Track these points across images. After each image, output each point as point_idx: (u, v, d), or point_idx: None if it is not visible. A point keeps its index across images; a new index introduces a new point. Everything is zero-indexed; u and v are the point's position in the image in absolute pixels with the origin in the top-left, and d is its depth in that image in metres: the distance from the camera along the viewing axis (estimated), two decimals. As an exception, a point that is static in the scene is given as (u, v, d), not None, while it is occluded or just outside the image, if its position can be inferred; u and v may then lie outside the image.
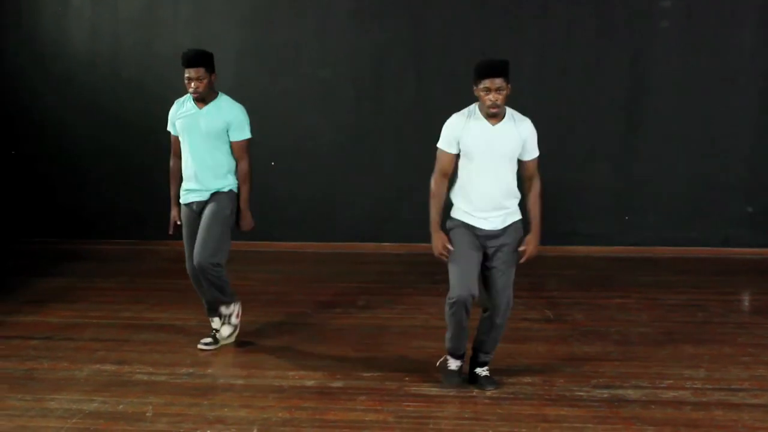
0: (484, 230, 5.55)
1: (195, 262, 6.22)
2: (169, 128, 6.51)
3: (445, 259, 5.58)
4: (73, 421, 5.18)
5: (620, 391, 5.62)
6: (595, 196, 9.74)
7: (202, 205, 6.35)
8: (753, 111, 9.84)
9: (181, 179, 6.46)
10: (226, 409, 5.35)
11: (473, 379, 5.78)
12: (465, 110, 5.55)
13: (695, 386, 5.70)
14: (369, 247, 10.04)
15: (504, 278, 5.54)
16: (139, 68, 10.22)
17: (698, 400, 5.47)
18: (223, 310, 6.46)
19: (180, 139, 6.40)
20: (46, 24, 10.27)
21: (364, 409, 5.39)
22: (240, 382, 5.86)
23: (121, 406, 5.39)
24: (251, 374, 6.01)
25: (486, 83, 5.35)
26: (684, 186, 9.90)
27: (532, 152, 5.58)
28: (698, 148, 9.83)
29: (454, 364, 5.84)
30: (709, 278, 8.82)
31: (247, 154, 6.43)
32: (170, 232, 6.59)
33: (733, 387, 5.69)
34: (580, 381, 5.80)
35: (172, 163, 6.58)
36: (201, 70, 6.22)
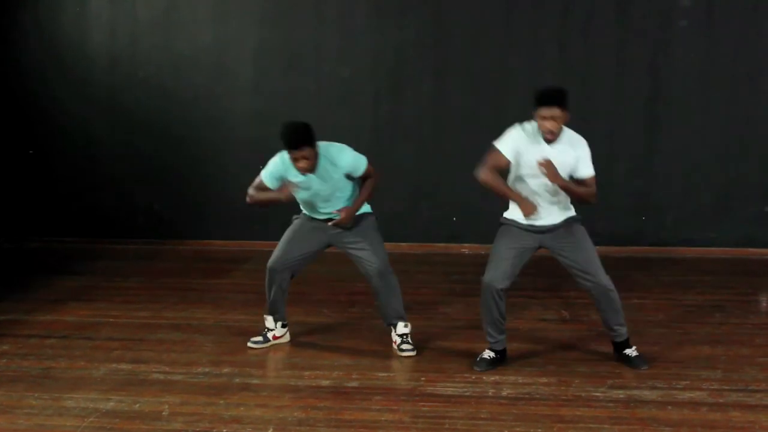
0: (540, 226, 5.94)
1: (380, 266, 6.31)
2: (268, 181, 6.27)
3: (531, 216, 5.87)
4: (90, 420, 5.20)
5: (636, 392, 5.59)
6: (614, 196, 9.69)
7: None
8: (772, 110, 9.79)
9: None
10: (241, 409, 5.36)
11: (625, 362, 6.06)
12: (529, 126, 5.85)
13: (712, 387, 5.67)
14: (387, 246, 9.98)
15: (582, 254, 5.89)
16: (158, 68, 10.25)
17: (715, 401, 5.45)
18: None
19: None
20: (64, 24, 10.30)
21: (379, 408, 5.40)
22: (256, 381, 5.87)
23: (137, 405, 5.41)
24: (267, 374, 6.03)
25: (544, 111, 5.66)
26: (703, 186, 9.84)
27: (586, 170, 5.86)
28: (717, 148, 9.78)
29: (487, 353, 6.06)
30: (728, 279, 8.77)
31: (374, 171, 6.44)
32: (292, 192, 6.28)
33: (750, 388, 5.66)
34: (597, 381, 5.78)
35: (254, 199, 6.37)
36: (308, 150, 6.01)
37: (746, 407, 5.35)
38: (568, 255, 5.95)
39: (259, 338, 6.60)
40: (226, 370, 6.06)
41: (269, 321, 6.61)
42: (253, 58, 10.15)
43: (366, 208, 6.50)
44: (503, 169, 5.91)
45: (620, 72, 9.76)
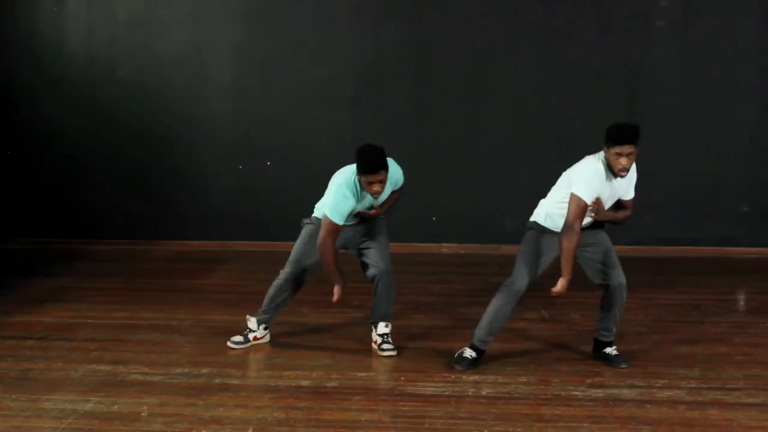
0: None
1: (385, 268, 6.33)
2: (340, 221, 6.06)
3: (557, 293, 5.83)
4: (68, 421, 5.17)
5: (616, 391, 5.62)
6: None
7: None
8: (750, 110, 9.85)
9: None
10: (221, 409, 5.35)
11: (605, 360, 6.16)
12: (601, 167, 5.76)
13: (690, 386, 5.70)
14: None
15: (605, 251, 6.03)
16: (137, 68, 10.22)
17: (693, 399, 5.48)
18: None
19: None
20: (41, 23, 10.25)
21: (359, 408, 5.40)
22: (235, 382, 5.85)
23: (116, 407, 5.39)
24: (246, 374, 6.02)
25: (617, 149, 5.64)
26: (681, 186, 9.90)
27: (631, 194, 6.01)
28: (695, 148, 9.84)
29: (469, 353, 6.07)
30: (706, 278, 8.82)
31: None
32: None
33: (728, 386, 5.69)
34: (576, 380, 5.80)
35: (330, 249, 6.11)
36: (385, 174, 5.93)
37: (724, 405, 5.38)
38: (590, 250, 6.02)
39: (240, 338, 6.58)
40: (205, 370, 6.04)
41: (252, 322, 6.59)
42: (233, 58, 10.14)
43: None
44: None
45: (598, 72, 9.81)
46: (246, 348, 6.53)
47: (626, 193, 5.96)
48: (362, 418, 5.24)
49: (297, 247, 6.50)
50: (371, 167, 5.87)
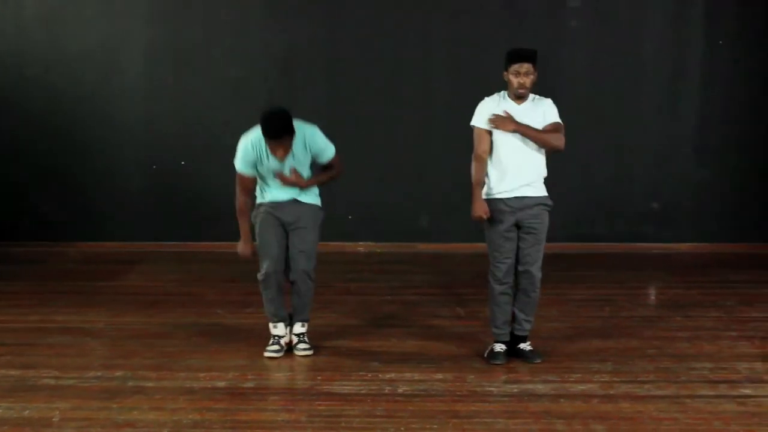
0: (518, 199, 5.99)
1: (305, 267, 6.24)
2: (243, 169, 6.20)
3: (481, 221, 6.02)
4: (-23, 427, 5.05)
5: (530, 386, 5.68)
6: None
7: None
8: (658, 109, 10.09)
9: (249, 211, 6.31)
10: (135, 412, 5.27)
11: (520, 355, 6.20)
12: (494, 95, 6.12)
13: (603, 379, 5.80)
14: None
15: (535, 242, 6.06)
16: (46, 66, 10.04)
17: (606, 392, 5.57)
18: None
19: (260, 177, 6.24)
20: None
21: (276, 409, 5.38)
22: (150, 384, 5.77)
23: (26, 412, 5.27)
24: (161, 376, 5.94)
25: (516, 67, 5.94)
26: (591, 183, 10.08)
27: (550, 118, 6.05)
28: (605, 146, 10.02)
29: (500, 346, 6.17)
30: (617, 273, 9.00)
31: (339, 163, 6.37)
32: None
33: (639, 379, 5.80)
34: (491, 377, 5.86)
35: (241, 201, 6.30)
36: (289, 139, 5.99)
37: (635, 398, 5.48)
38: (523, 239, 6.06)
39: (275, 347, 6.36)
40: (119, 373, 5.95)
41: (280, 328, 6.40)
42: (144, 57, 10.02)
43: (318, 201, 6.40)
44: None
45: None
46: (162, 351, 6.42)
47: (544, 118, 6.02)
48: (279, 419, 5.22)
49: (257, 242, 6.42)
50: (272, 133, 5.94)
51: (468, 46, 9.89)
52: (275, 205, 6.25)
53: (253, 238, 6.36)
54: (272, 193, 6.26)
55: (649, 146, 10.10)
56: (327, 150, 6.28)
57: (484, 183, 6.04)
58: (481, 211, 5.96)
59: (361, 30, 9.98)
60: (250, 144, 6.15)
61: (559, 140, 6.03)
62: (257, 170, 6.21)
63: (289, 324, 6.45)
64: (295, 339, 6.41)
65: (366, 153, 9.97)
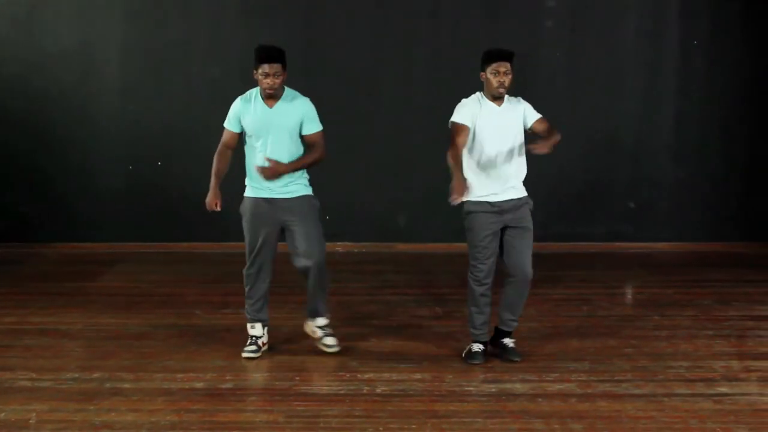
0: (503, 203, 6.04)
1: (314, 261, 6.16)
2: (228, 125, 6.33)
3: (455, 200, 5.80)
4: (-47, 430, 5.02)
5: (508, 385, 5.69)
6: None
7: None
8: (635, 110, 10.14)
9: (225, 168, 6.33)
10: (113, 414, 5.24)
11: (501, 350, 6.25)
12: (473, 96, 6.17)
13: (581, 378, 5.82)
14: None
15: (524, 242, 6.14)
16: (22, 67, 9.97)
17: (584, 392, 5.59)
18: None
19: (248, 138, 6.25)
20: None
21: (254, 409, 5.37)
22: (127, 385, 5.74)
23: (2, 414, 5.23)
24: (139, 377, 5.91)
25: (495, 66, 5.99)
26: (570, 182, 10.11)
27: (533, 116, 6.13)
28: (583, 145, 10.04)
29: (476, 346, 6.17)
30: (595, 272, 9.05)
31: (323, 144, 6.35)
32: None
33: (616, 378, 5.82)
34: (469, 376, 5.87)
35: (220, 153, 6.34)
36: (279, 67, 6.07)
37: (613, 397, 5.50)
38: (513, 237, 6.10)
39: (253, 347, 6.32)
40: (96, 375, 5.92)
41: (257, 329, 6.36)
42: (120, 57, 9.98)
43: (308, 190, 6.33)
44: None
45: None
46: (143, 352, 6.39)
47: (525, 118, 6.11)
48: (257, 419, 5.21)
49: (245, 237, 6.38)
50: (266, 56, 6.06)
51: (446, 47, 9.91)
52: (266, 203, 6.19)
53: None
54: (259, 180, 6.17)
55: (627, 146, 10.15)
56: (314, 121, 6.30)
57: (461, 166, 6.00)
58: (462, 189, 5.80)
59: (340, 30, 9.98)
60: (243, 97, 6.29)
61: (559, 132, 6.13)
62: (243, 128, 6.24)
63: (309, 318, 6.43)
64: (320, 333, 6.38)
65: (345, 154, 9.94)
